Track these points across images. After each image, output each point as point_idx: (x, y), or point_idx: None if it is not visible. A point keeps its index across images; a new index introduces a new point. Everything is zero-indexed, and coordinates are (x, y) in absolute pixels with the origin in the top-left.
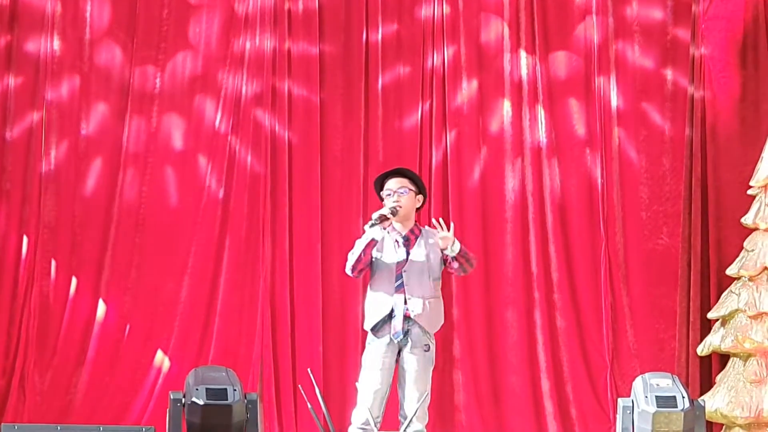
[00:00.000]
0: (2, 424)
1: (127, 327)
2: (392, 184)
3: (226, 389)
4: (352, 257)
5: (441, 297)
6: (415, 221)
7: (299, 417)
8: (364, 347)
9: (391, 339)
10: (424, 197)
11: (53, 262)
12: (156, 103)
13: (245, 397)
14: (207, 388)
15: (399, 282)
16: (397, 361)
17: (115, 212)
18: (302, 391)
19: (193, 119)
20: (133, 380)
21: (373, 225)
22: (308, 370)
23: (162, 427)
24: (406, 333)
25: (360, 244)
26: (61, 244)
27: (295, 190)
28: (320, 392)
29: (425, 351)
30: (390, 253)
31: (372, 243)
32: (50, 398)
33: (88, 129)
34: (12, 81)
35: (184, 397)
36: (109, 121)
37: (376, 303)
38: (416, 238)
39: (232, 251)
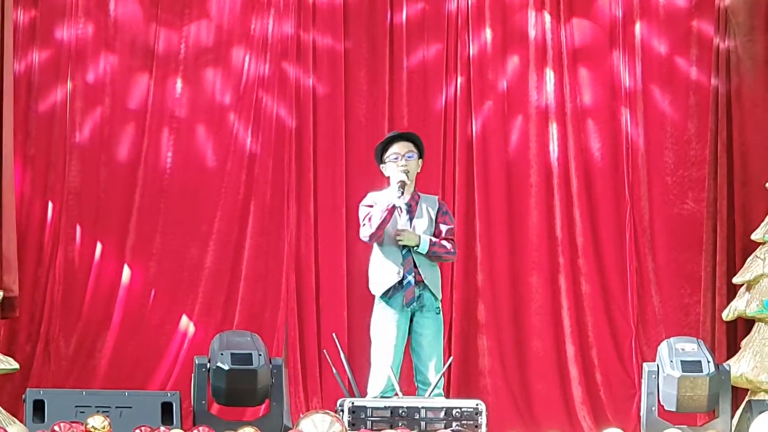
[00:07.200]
0: (27, 388)
1: (152, 292)
2: (400, 147)
3: (251, 354)
4: (374, 223)
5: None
6: (414, 187)
7: (324, 382)
8: None
9: (403, 307)
10: (422, 161)
11: (78, 228)
12: (180, 69)
13: (270, 362)
14: (232, 353)
15: (406, 249)
16: (409, 327)
17: (140, 177)
18: (327, 356)
19: (220, 83)
20: (158, 345)
21: (402, 195)
22: (333, 335)
23: (187, 392)
24: (419, 298)
25: (380, 212)
26: (86, 210)
27: (319, 156)
28: (345, 357)
29: (437, 314)
30: (395, 220)
31: (393, 209)
32: (75, 363)
33: (112, 94)
34: (36, 52)
35: (209, 362)
36: (133, 86)
37: (385, 270)
38: (416, 204)
39: (257, 216)
